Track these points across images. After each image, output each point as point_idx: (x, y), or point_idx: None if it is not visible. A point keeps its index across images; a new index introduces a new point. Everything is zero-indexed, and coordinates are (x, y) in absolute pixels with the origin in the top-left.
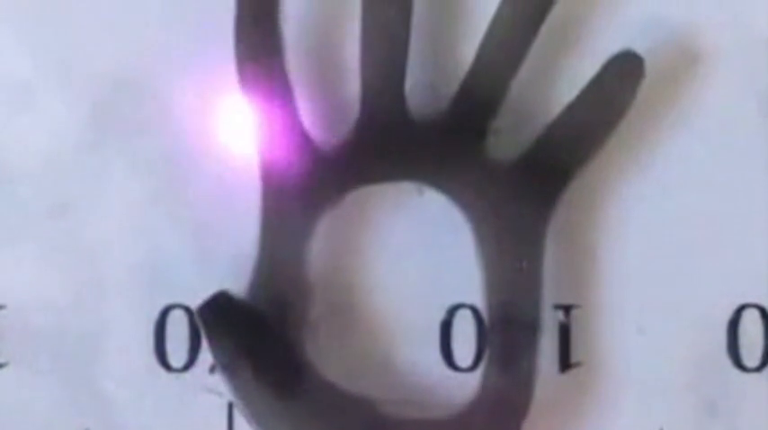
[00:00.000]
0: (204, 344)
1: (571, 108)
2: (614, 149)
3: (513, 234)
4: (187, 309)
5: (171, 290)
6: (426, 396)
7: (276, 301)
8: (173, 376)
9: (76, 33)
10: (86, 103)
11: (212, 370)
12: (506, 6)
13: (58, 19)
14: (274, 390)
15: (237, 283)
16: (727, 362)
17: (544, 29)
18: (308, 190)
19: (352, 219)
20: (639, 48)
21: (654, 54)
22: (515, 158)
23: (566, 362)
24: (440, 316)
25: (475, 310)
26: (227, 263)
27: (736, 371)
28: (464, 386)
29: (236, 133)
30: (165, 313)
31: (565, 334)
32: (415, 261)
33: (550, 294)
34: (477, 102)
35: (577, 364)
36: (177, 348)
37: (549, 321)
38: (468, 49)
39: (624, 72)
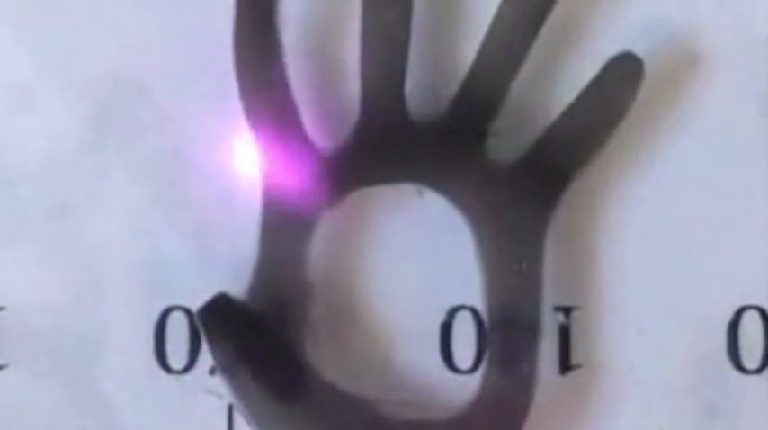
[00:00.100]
0: (204, 345)
1: (571, 109)
2: (614, 151)
3: (513, 235)
4: (187, 311)
5: (171, 291)
6: (426, 397)
7: (276, 303)
8: (173, 378)
9: (76, 35)
10: (86, 105)
11: (212, 371)
12: (506, 8)
13: (58, 20)
14: (274, 392)
15: (237, 285)
16: (727, 363)
17: (544, 30)
18: (308, 191)
19: (352, 221)
20: (639, 49)
21: (653, 55)
22: (515, 160)
23: (566, 364)
24: (440, 317)
25: (475, 312)
26: (228, 264)
27: (736, 373)
28: (464, 388)
29: (236, 135)
30: (165, 315)
31: (565, 335)
32: (415, 262)
33: (550, 296)
34: (477, 103)
35: (577, 366)
36: (177, 350)
37: (550, 323)
38: (468, 51)
39: (624, 73)
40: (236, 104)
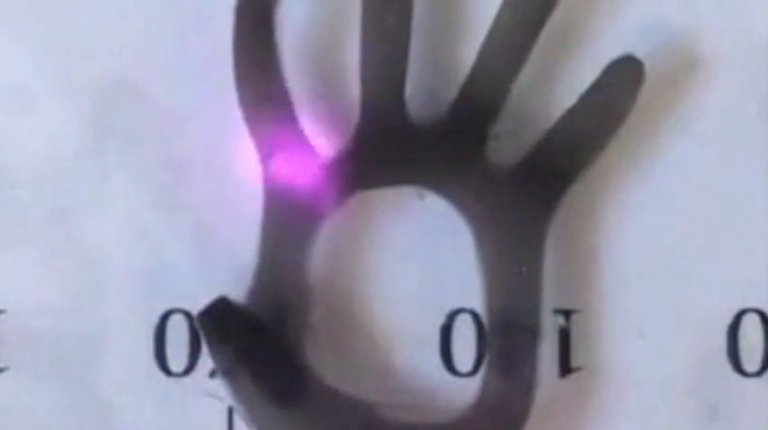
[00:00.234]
0: (204, 348)
1: (571, 113)
2: (614, 154)
3: (514, 238)
4: (187, 314)
5: (171, 294)
6: (426, 400)
7: (276, 306)
8: (173, 380)
9: (76, 37)
10: (86, 108)
11: (212, 374)
12: (506, 11)
13: (58, 23)
14: (274, 395)
15: (238, 288)
16: (727, 366)
17: (544, 33)
18: (309, 195)
19: (353, 224)
20: (639, 52)
21: (654, 58)
22: (515, 163)
23: (566, 367)
24: (440, 320)
25: (475, 315)
26: (228, 267)
27: (736, 376)
28: (464, 391)
29: (237, 138)
30: (165, 318)
31: (565, 338)
32: (416, 265)
33: (551, 299)
34: (478, 106)
35: (578, 369)
36: (177, 353)
37: (550, 326)
38: (468, 54)
39: (624, 77)
40: (236, 108)
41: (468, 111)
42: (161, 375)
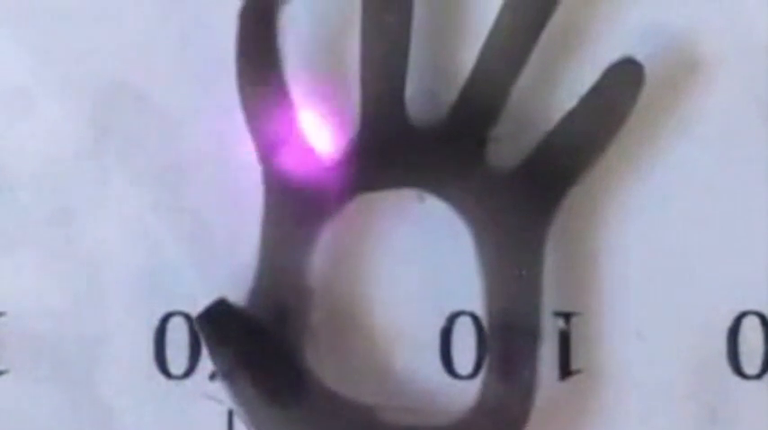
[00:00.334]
0: (204, 351)
1: (571, 115)
2: (614, 156)
3: (514, 241)
4: (187, 317)
5: (171, 297)
6: (426, 403)
7: (276, 308)
8: (173, 383)
9: (76, 39)
10: (86, 110)
11: (212, 377)
12: (506, 13)
13: (58, 25)
14: (274, 398)
15: (238, 290)
16: (727, 369)
17: (544, 36)
18: (310, 197)
19: (353, 226)
20: (639, 55)
21: (654, 61)
22: (516, 165)
23: (566, 370)
24: (440, 323)
25: (475, 318)
26: (228, 270)
27: (736, 379)
28: (464, 393)
29: (238, 141)
30: (165, 320)
31: (565, 341)
32: (416, 267)
33: (551, 301)
34: (478, 109)
35: (577, 372)
36: (177, 355)
37: (550, 328)
38: (468, 56)
39: (624, 79)
40: (236, 110)
41: (468, 113)
42: (161, 377)
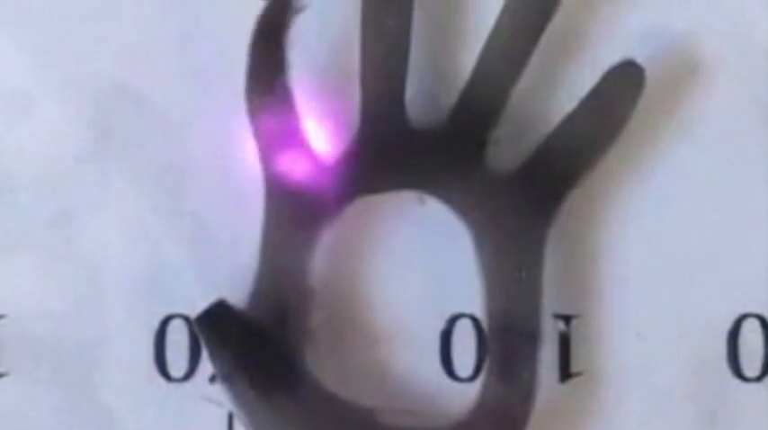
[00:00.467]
0: (204, 353)
1: (571, 118)
2: (614, 158)
3: (513, 243)
4: (187, 319)
5: (171, 299)
6: (426, 405)
7: (277, 311)
8: (173, 386)
9: (76, 42)
10: (87, 112)
11: (212, 379)
12: (506, 16)
13: (58, 27)
14: (273, 400)
15: (238, 293)
16: (727, 371)
17: (544, 38)
18: (310, 200)
19: (354, 229)
20: (639, 57)
21: (654, 63)
22: (515, 168)
23: (566, 372)
24: (440, 325)
25: (475, 320)
26: (228, 272)
27: (736, 381)
28: (464, 396)
29: (238, 143)
30: (165, 323)
31: (565, 343)
32: (416, 270)
33: (551, 303)
34: (478, 111)
35: (578, 374)
36: (177, 358)
37: (550, 330)
38: (468, 59)
39: (625, 82)
40: (236, 112)
41: (468, 115)
42: (161, 380)
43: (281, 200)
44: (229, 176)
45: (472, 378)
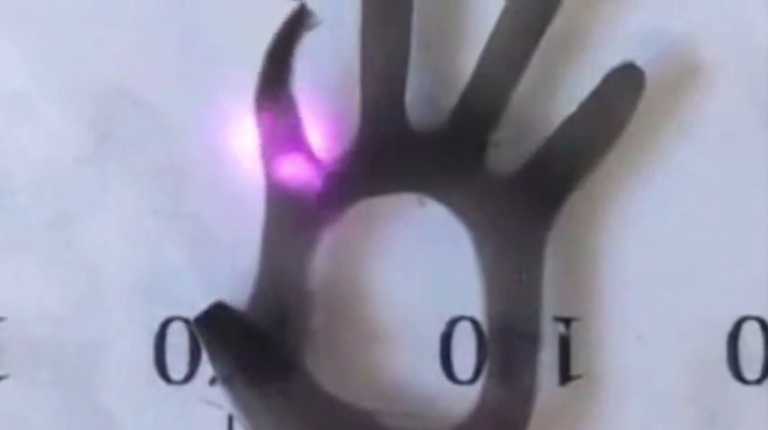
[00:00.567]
0: (204, 356)
1: (571, 120)
2: (614, 161)
3: (514, 245)
4: (187, 322)
5: (171, 302)
6: (426, 408)
7: (277, 313)
8: (173, 388)
9: (76, 45)
10: (86, 115)
11: (212, 382)
12: (506, 18)
13: (58, 31)
14: (273, 402)
15: (238, 295)
16: (727, 374)
17: (544, 41)
18: (310, 202)
19: (354, 231)
20: (640, 59)
21: (654, 65)
22: (516, 170)
23: (566, 375)
24: (440, 327)
25: (475, 323)
26: (228, 275)
27: (736, 384)
28: (464, 398)
29: (238, 145)
30: (165, 325)
31: (565, 346)
32: (416, 272)
33: (551, 306)
34: (478, 114)
35: (578, 377)
36: (177, 360)
37: (550, 333)
38: (468, 61)
39: (624, 84)
40: (236, 114)
41: (468, 118)
42: (161, 383)
43: (282, 202)
44: (229, 178)
45: (472, 380)
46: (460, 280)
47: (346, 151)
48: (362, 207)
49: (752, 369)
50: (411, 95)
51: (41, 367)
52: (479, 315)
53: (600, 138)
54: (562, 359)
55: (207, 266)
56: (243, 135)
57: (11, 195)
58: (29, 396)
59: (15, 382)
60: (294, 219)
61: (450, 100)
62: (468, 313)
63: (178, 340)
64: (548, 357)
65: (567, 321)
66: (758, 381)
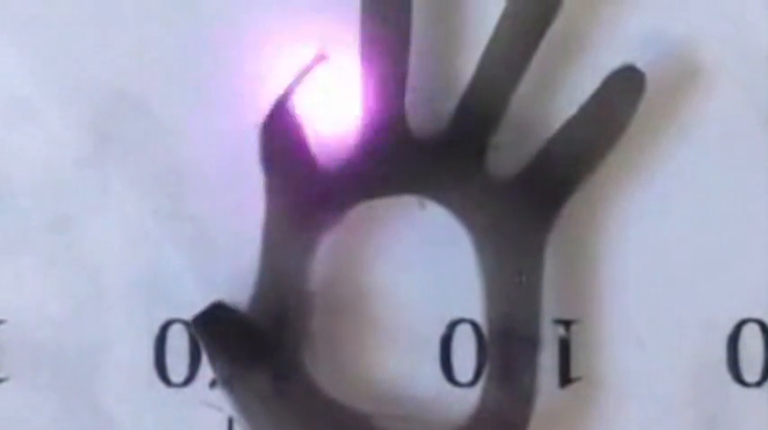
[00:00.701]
0: (204, 359)
1: (571, 123)
2: (615, 163)
3: (514, 248)
4: (187, 324)
5: (171, 304)
6: (426, 410)
7: (277, 315)
8: (173, 391)
9: (76, 48)
10: (87, 118)
11: (212, 384)
12: (506, 21)
13: (58, 33)
14: (273, 404)
15: (238, 296)
16: (727, 376)
17: (544, 44)
18: (311, 205)
19: (354, 234)
20: (640, 62)
21: (654, 68)
22: (516, 173)
23: (566, 377)
24: (440, 330)
25: (475, 325)
26: (228, 277)
27: (736, 386)
28: (464, 401)
29: (238, 147)
30: (165, 328)
31: (565, 348)
32: (416, 274)
33: (550, 309)
34: (478, 117)
35: (577, 379)
36: (177, 363)
37: (550, 336)
38: (468, 65)
39: (625, 86)
40: (235, 116)
41: (468, 121)
42: (161, 385)
43: (282, 205)
44: (229, 180)
45: (472, 383)
46: (461, 282)
47: (347, 154)
48: (363, 209)
49: (752, 371)
50: (411, 98)
51: (41, 370)
52: (479, 317)
53: (600, 140)
54: (562, 361)
55: (207, 268)
56: (243, 137)
57: (11, 197)
58: (29, 399)
59: (15, 385)
60: (294, 220)
61: (451, 103)
62: (468, 315)
63: (178, 343)
64: (548, 360)
65: (567, 324)
66: (758, 384)
